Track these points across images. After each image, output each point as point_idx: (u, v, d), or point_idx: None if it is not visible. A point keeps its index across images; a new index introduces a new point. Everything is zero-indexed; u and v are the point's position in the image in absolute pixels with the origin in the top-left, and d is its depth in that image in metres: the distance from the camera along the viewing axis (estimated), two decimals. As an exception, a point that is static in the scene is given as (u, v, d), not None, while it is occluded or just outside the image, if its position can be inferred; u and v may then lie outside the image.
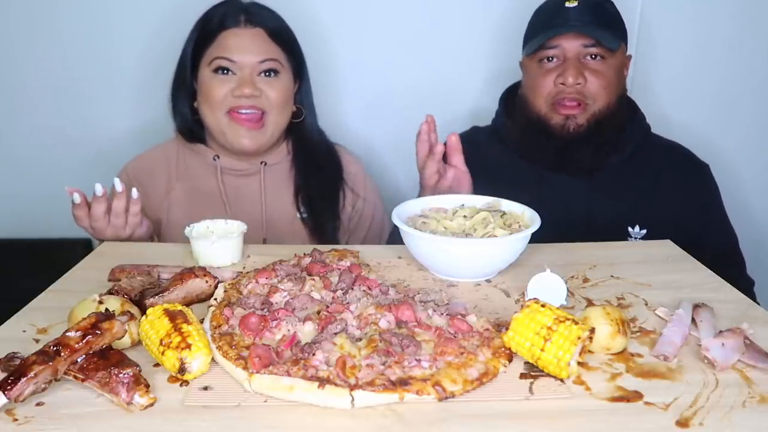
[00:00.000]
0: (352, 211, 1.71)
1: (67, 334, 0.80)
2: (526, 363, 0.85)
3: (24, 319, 0.98)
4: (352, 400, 0.75)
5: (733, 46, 1.97)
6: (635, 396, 0.79)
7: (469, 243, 1.11)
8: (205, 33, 1.57)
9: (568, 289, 1.05)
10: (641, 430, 0.73)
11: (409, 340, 0.84)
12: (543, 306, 0.85)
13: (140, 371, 0.79)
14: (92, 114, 2.00)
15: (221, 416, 0.75)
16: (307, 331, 0.88)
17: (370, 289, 1.00)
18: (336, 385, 0.76)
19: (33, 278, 1.10)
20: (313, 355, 0.81)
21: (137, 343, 0.89)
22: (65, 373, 0.79)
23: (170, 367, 0.81)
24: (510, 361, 0.85)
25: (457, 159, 1.42)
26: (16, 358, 0.81)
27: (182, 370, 0.80)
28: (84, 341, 0.79)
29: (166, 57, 1.65)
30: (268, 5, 1.61)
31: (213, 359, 0.84)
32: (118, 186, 1.32)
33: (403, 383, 0.77)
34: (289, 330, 0.88)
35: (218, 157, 1.63)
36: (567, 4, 1.51)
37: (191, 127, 1.65)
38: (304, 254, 1.17)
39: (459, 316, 0.92)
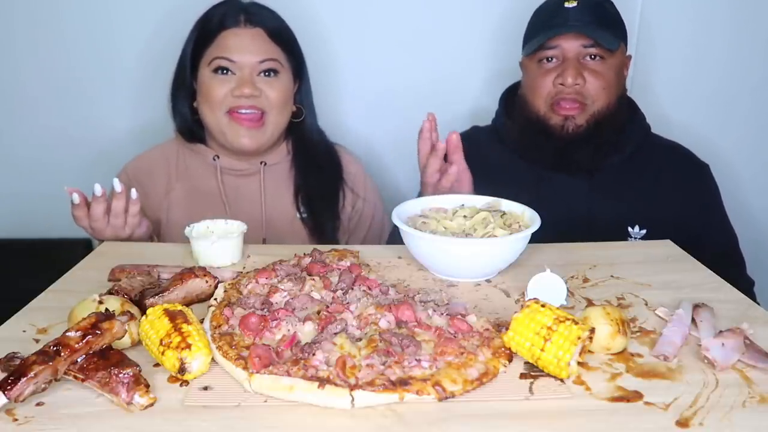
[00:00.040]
0: (352, 211, 1.71)
1: (67, 334, 0.80)
2: (526, 363, 0.85)
3: (24, 319, 0.98)
4: (352, 400, 0.75)
5: (732, 46, 1.97)
6: (635, 396, 0.79)
7: (469, 243, 1.11)
8: (204, 33, 1.57)
9: (568, 289, 1.05)
10: (641, 430, 0.73)
11: (409, 340, 0.84)
12: (543, 306, 0.85)
13: (140, 371, 0.79)
14: (93, 114, 2.00)
15: (221, 416, 0.75)
16: (307, 331, 0.88)
17: (370, 289, 1.00)
18: (336, 385, 0.76)
19: (33, 278, 1.10)
20: (313, 355, 0.81)
21: (137, 343, 0.89)
22: (65, 373, 0.79)
23: (170, 367, 0.81)
24: (510, 361, 0.85)
25: (458, 157, 1.42)
26: (16, 358, 0.81)
27: (182, 370, 0.80)
28: (84, 341, 0.79)
29: (166, 57, 1.65)
30: (268, 5, 1.61)
31: (213, 359, 0.84)
32: (117, 186, 1.32)
33: (403, 383, 0.77)
34: (289, 330, 0.88)
35: (218, 157, 1.63)
36: (566, 5, 1.51)
37: (191, 127, 1.65)
38: (304, 254, 1.17)
39: (459, 316, 0.92)
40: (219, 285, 1.04)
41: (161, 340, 0.83)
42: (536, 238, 1.13)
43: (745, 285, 1.53)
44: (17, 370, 0.75)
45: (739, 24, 1.95)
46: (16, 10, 1.91)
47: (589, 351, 0.86)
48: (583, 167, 1.57)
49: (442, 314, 0.93)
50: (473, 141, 1.55)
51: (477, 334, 0.89)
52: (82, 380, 0.79)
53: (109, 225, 1.33)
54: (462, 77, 2.01)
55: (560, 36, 1.50)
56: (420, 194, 1.49)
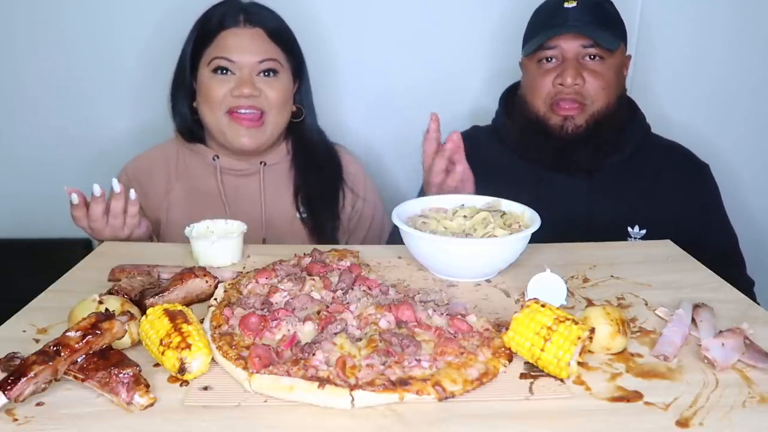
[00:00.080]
0: (352, 211, 1.71)
1: (67, 334, 0.80)
2: (526, 363, 0.85)
3: (24, 319, 0.98)
4: (352, 400, 0.75)
5: (732, 46, 1.97)
6: (635, 396, 0.79)
7: (469, 243, 1.11)
8: (204, 33, 1.57)
9: (568, 289, 1.05)
10: (641, 430, 0.73)
11: (409, 340, 0.84)
12: (543, 306, 0.85)
13: (140, 371, 0.79)
14: (93, 114, 2.00)
15: (221, 416, 0.75)
16: (307, 331, 0.88)
17: (370, 289, 1.00)
18: (336, 385, 0.76)
19: (33, 278, 1.10)
20: (313, 355, 0.81)
21: (137, 343, 0.89)
22: (65, 373, 0.79)
23: (170, 367, 0.81)
24: (510, 361, 0.85)
25: (460, 156, 1.41)
26: (16, 358, 0.81)
27: (182, 370, 0.80)
28: (84, 341, 0.79)
29: (166, 57, 1.65)
30: (267, 5, 1.61)
31: (213, 359, 0.84)
32: (116, 187, 1.32)
33: (403, 383, 0.77)
34: (289, 330, 0.88)
35: (218, 157, 1.63)
36: (566, 5, 1.51)
37: (191, 127, 1.65)
38: (304, 254, 1.17)
39: (459, 316, 0.92)
40: (219, 285, 1.04)
41: (161, 340, 0.83)
42: (536, 238, 1.13)
43: (745, 285, 1.53)
44: (17, 370, 0.75)
45: (739, 24, 1.95)
46: (17, 10, 1.91)
47: (589, 351, 0.86)
48: (583, 167, 1.57)
49: (442, 314, 0.93)
50: (473, 141, 1.54)
51: (477, 334, 0.89)
52: (82, 380, 0.79)
53: (108, 225, 1.33)
54: (462, 77, 2.01)
55: (560, 36, 1.50)
56: (422, 194, 1.49)
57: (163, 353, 0.82)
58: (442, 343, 0.84)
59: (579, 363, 0.84)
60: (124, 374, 0.77)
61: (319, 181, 1.67)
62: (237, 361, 0.81)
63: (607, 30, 1.51)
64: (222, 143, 1.60)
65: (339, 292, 0.99)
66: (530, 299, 0.88)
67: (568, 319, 0.83)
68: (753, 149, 2.04)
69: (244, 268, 1.18)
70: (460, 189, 1.40)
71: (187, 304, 0.98)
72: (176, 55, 1.62)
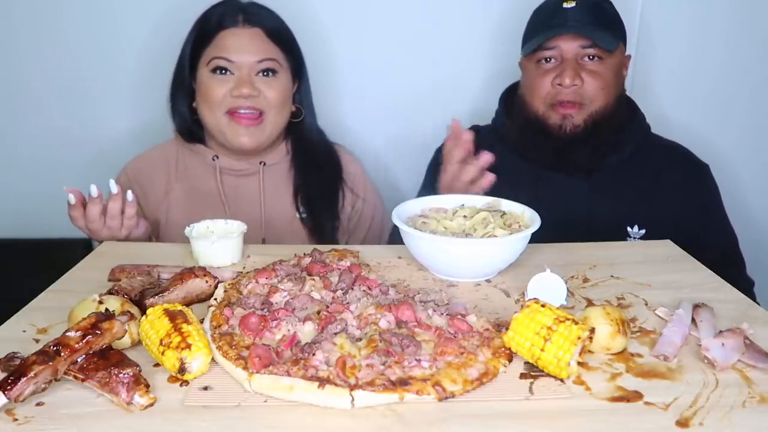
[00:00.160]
0: (352, 211, 1.71)
1: (67, 334, 0.80)
2: (526, 363, 0.85)
3: (24, 319, 0.98)
4: (352, 400, 0.75)
5: (730, 46, 1.97)
6: (635, 396, 0.79)
7: (469, 243, 1.11)
8: (203, 33, 1.57)
9: (568, 289, 1.05)
10: (641, 430, 0.73)
11: (409, 340, 0.84)
12: (543, 306, 0.85)
13: (140, 371, 0.79)
14: (93, 114, 2.00)
15: (221, 416, 0.75)
16: (307, 331, 0.88)
17: (370, 289, 1.00)
18: (336, 385, 0.76)
19: (33, 278, 1.10)
20: (313, 355, 0.81)
21: (137, 343, 0.89)
22: (65, 373, 0.79)
23: (170, 367, 0.81)
24: (510, 361, 0.85)
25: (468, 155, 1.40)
26: (16, 358, 0.81)
27: (182, 370, 0.80)
28: (84, 341, 0.79)
29: (166, 57, 1.65)
30: (266, 5, 1.61)
31: (213, 359, 0.84)
32: (113, 188, 1.32)
33: (403, 383, 0.77)
34: (289, 330, 0.88)
35: (217, 157, 1.63)
36: (565, 5, 1.51)
37: (190, 127, 1.65)
38: (304, 254, 1.17)
39: (459, 316, 0.92)
40: (219, 285, 1.04)
41: (161, 340, 0.83)
42: (536, 238, 1.13)
43: (745, 285, 1.53)
44: (17, 370, 0.75)
45: (737, 24, 1.95)
46: (19, 10, 1.91)
47: (589, 351, 0.86)
48: (582, 167, 1.57)
49: (442, 314, 0.93)
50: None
51: (477, 334, 0.89)
52: (82, 380, 0.79)
53: (105, 226, 1.33)
54: (462, 77, 2.01)
55: (559, 36, 1.50)
56: (422, 194, 1.48)
57: (163, 353, 0.82)
58: (442, 343, 0.84)
59: (579, 363, 0.84)
60: (124, 374, 0.77)
61: (318, 181, 1.67)
62: (237, 361, 0.81)
63: (606, 30, 1.51)
64: (221, 143, 1.60)
65: (339, 292, 0.99)
66: (530, 299, 0.88)
67: (568, 319, 0.83)
68: (752, 149, 2.04)
69: (244, 268, 1.18)
70: (473, 186, 1.38)
71: (187, 304, 0.98)
72: (176, 55, 1.62)
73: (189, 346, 0.81)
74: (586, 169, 1.57)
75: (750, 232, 1.80)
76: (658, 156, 1.62)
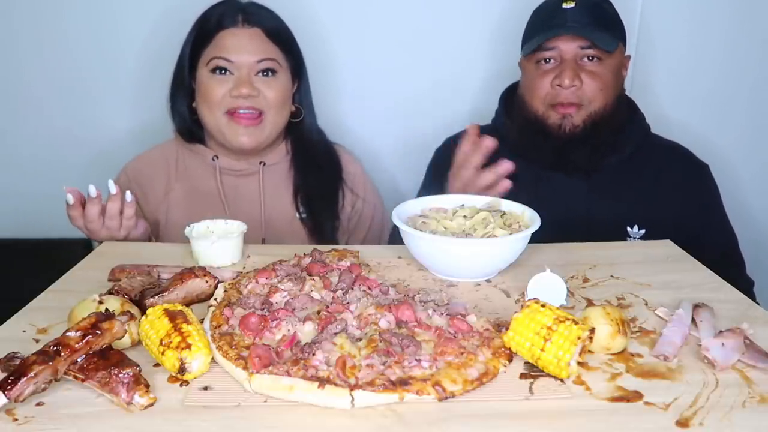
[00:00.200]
0: (352, 211, 1.71)
1: (67, 334, 0.80)
2: (526, 363, 0.85)
3: (24, 319, 0.98)
4: (352, 400, 0.75)
5: (729, 46, 1.97)
6: (635, 396, 0.79)
7: (469, 243, 1.11)
8: (203, 33, 1.57)
9: (568, 289, 1.05)
10: (641, 430, 0.73)
11: (409, 340, 0.84)
12: (543, 306, 0.85)
13: (140, 371, 0.79)
14: (94, 114, 2.00)
15: (221, 416, 0.75)
16: (307, 331, 0.88)
17: (370, 289, 1.00)
18: (336, 385, 0.76)
19: (33, 278, 1.10)
20: (313, 355, 0.81)
21: (137, 343, 0.89)
22: (65, 373, 0.79)
23: (170, 367, 0.81)
24: (510, 361, 0.85)
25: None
26: (16, 358, 0.81)
27: (182, 370, 0.80)
28: (84, 341, 0.79)
29: (166, 57, 1.65)
30: (266, 5, 1.61)
31: (213, 359, 0.84)
32: (112, 188, 1.32)
33: (403, 383, 0.77)
34: (289, 330, 0.88)
35: (217, 157, 1.63)
36: (564, 5, 1.50)
37: (190, 127, 1.65)
38: (304, 254, 1.17)
39: (459, 316, 0.92)
40: (219, 285, 1.04)
41: (161, 340, 0.83)
42: (535, 238, 1.13)
43: (744, 285, 1.53)
44: (17, 370, 0.75)
45: (736, 25, 1.95)
46: (19, 10, 1.91)
47: (589, 351, 0.86)
48: (581, 167, 1.57)
49: (442, 314, 0.93)
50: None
51: (477, 334, 0.89)
52: (82, 380, 0.78)
53: (104, 226, 1.33)
54: (462, 77, 2.01)
55: (558, 37, 1.50)
56: (422, 194, 1.48)
57: (163, 353, 0.82)
58: (442, 343, 0.84)
59: (579, 363, 0.84)
60: (124, 374, 0.77)
61: (318, 180, 1.67)
62: (237, 361, 0.81)
63: (605, 31, 1.51)
64: (221, 143, 1.60)
65: (339, 292, 0.99)
66: (530, 299, 0.88)
67: (568, 319, 0.83)
68: (752, 149, 2.04)
69: (244, 268, 1.18)
70: (487, 193, 1.37)
71: (187, 304, 0.98)
72: (175, 55, 1.62)
73: (189, 346, 0.81)
74: (586, 169, 1.57)
75: (750, 232, 1.80)
76: (657, 156, 1.62)
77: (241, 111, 1.54)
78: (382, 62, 1.99)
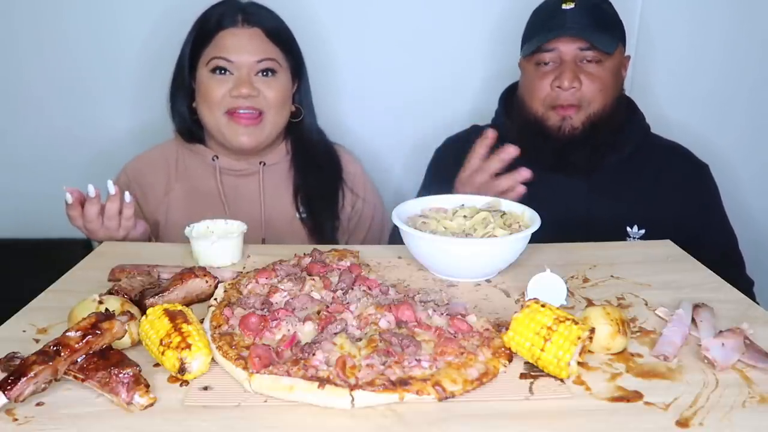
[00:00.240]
0: (352, 211, 1.71)
1: (67, 334, 0.80)
2: (526, 363, 0.85)
3: (24, 319, 0.98)
4: (352, 400, 0.75)
5: (729, 47, 1.97)
6: (635, 396, 0.79)
7: (469, 243, 1.11)
8: (202, 33, 1.57)
9: (568, 289, 1.05)
10: (641, 430, 0.73)
11: (409, 340, 0.84)
12: (543, 306, 0.85)
13: (140, 371, 0.79)
14: (94, 114, 2.00)
15: (221, 416, 0.75)
16: (307, 331, 0.88)
17: (370, 289, 1.00)
18: (336, 385, 0.76)
19: (33, 278, 1.10)
20: (313, 355, 0.81)
21: (137, 343, 0.89)
22: (65, 373, 0.79)
23: (170, 367, 0.81)
24: (510, 361, 0.85)
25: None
26: (16, 358, 0.81)
27: (182, 370, 0.80)
28: (84, 341, 0.79)
29: (166, 57, 1.65)
30: (266, 5, 1.60)
31: (213, 359, 0.84)
32: (111, 188, 1.32)
33: (403, 383, 0.77)
34: (289, 330, 0.88)
35: (217, 157, 1.63)
36: (564, 6, 1.50)
37: (190, 127, 1.65)
38: (304, 254, 1.17)
39: (459, 316, 0.92)
40: (219, 285, 1.04)
41: (161, 340, 0.83)
42: (535, 238, 1.13)
43: (744, 285, 1.53)
44: (17, 370, 0.75)
45: (736, 25, 1.95)
46: (19, 10, 1.91)
47: (589, 351, 0.86)
48: (581, 168, 1.57)
49: (442, 314, 0.93)
50: (473, 140, 1.54)
51: (477, 334, 0.89)
52: (82, 380, 0.78)
53: (103, 226, 1.33)
54: (461, 77, 2.01)
55: (557, 39, 1.50)
56: (422, 193, 1.48)
57: (163, 353, 0.82)
58: (442, 343, 0.84)
59: (579, 363, 0.84)
60: (124, 374, 0.77)
61: (318, 180, 1.67)
62: (237, 361, 0.81)
63: (605, 32, 1.50)
64: (221, 143, 1.60)
65: (339, 292, 0.99)
66: (530, 299, 0.88)
67: (568, 319, 0.83)
68: (752, 149, 2.04)
69: (244, 268, 1.18)
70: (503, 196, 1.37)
71: (187, 304, 0.98)
72: (175, 55, 1.62)
73: (189, 346, 0.81)
74: (585, 169, 1.57)
75: (750, 232, 1.80)
76: (657, 156, 1.62)
77: (241, 111, 1.55)
78: (382, 62, 1.99)
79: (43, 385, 0.76)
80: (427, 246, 1.13)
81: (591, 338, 0.83)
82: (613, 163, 1.58)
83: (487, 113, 1.75)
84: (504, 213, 1.22)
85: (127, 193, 1.33)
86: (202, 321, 0.92)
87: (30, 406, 0.76)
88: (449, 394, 0.77)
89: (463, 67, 2.00)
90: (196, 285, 1.03)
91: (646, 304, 1.05)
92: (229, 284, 1.04)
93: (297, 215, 1.65)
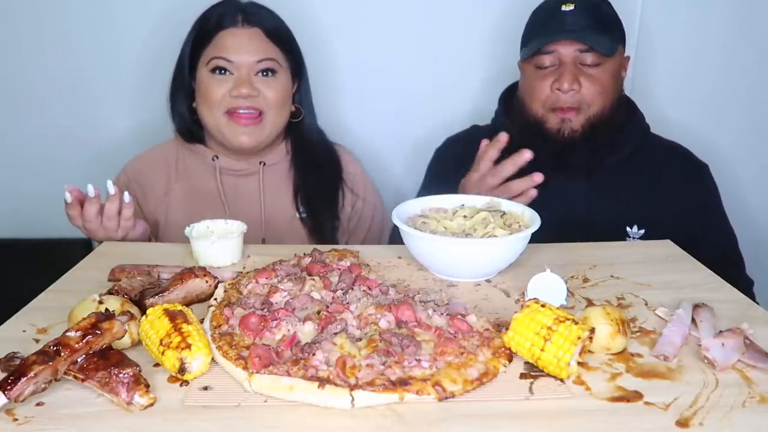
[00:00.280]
0: (352, 211, 1.71)
1: (67, 334, 0.80)
2: (526, 363, 0.85)
3: (24, 319, 0.98)
4: (352, 400, 0.75)
5: (728, 48, 1.97)
6: (635, 396, 0.79)
7: (469, 243, 1.11)
8: (202, 33, 1.57)
9: (568, 289, 1.05)
10: (641, 430, 0.73)
11: (409, 340, 0.84)
12: (543, 306, 0.85)
13: (140, 371, 0.79)
14: (95, 114, 2.00)
15: (221, 416, 0.75)
16: (307, 331, 0.88)
17: (370, 289, 1.00)
18: (336, 385, 0.76)
19: (33, 278, 1.10)
20: (313, 355, 0.81)
21: (137, 343, 0.89)
22: (65, 373, 0.79)
23: (170, 367, 0.81)
24: (510, 361, 0.85)
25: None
26: (16, 358, 0.81)
27: (182, 370, 0.80)
28: (84, 341, 0.79)
29: (166, 57, 1.65)
30: (266, 5, 1.60)
31: (213, 359, 0.84)
32: (111, 188, 1.32)
33: (403, 383, 0.77)
34: (289, 330, 0.88)
35: (217, 157, 1.63)
36: (563, 8, 1.50)
37: (190, 127, 1.65)
38: (304, 254, 1.17)
39: (459, 316, 0.92)
40: (219, 285, 1.04)
41: (161, 340, 0.83)
42: (534, 238, 1.13)
43: (744, 285, 1.53)
44: (17, 370, 0.75)
45: (735, 27, 1.95)
46: (21, 10, 1.91)
47: (589, 351, 0.86)
48: (580, 170, 1.57)
49: (442, 314, 0.93)
50: (473, 140, 1.54)
51: (477, 334, 0.89)
52: (82, 380, 0.78)
53: (102, 226, 1.33)
54: (461, 77, 2.01)
55: (557, 41, 1.49)
56: (422, 193, 1.48)
57: (163, 353, 0.82)
58: (442, 343, 0.84)
59: (579, 363, 0.84)
60: (124, 374, 0.77)
61: (318, 180, 1.67)
62: (237, 361, 0.81)
63: (604, 34, 1.50)
64: (221, 143, 1.60)
65: (339, 292, 0.99)
66: (530, 299, 0.88)
67: (568, 319, 0.83)
68: (751, 150, 2.04)
69: (244, 268, 1.18)
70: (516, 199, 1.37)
71: (187, 304, 0.98)
72: (175, 55, 1.62)
73: (189, 346, 0.81)
74: (585, 171, 1.57)
75: (749, 232, 1.80)
76: (657, 156, 1.62)
77: (241, 111, 1.55)
78: (383, 62, 1.99)
79: (43, 385, 0.76)
80: (427, 246, 1.13)
81: (591, 338, 0.83)
82: (612, 163, 1.58)
83: (487, 113, 1.74)
84: (504, 213, 1.22)
85: (126, 194, 1.33)
86: (202, 321, 0.92)
87: (30, 406, 0.76)
88: (449, 394, 0.77)
89: (463, 67, 2.00)
90: (196, 285, 1.03)
91: (646, 304, 1.05)
92: (229, 284, 1.04)
93: (297, 215, 1.65)
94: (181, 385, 0.81)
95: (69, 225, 1.36)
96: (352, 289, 0.99)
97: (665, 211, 1.55)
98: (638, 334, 0.94)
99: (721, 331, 0.89)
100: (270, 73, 1.57)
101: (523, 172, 1.56)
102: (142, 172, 1.65)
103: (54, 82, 1.97)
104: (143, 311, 0.91)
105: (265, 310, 0.93)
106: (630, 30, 1.74)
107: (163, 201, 1.63)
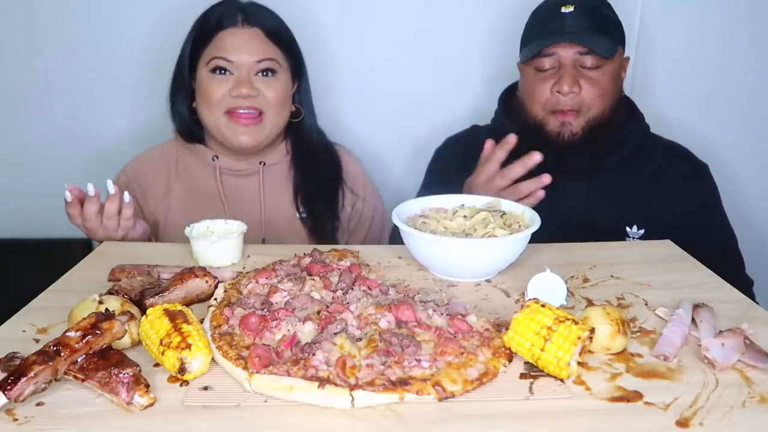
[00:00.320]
0: (352, 211, 1.71)
1: (67, 334, 0.80)
2: (526, 363, 0.85)
3: (24, 319, 0.98)
4: (352, 400, 0.75)
5: (728, 48, 1.97)
6: (635, 396, 0.79)
7: (469, 243, 1.11)
8: (202, 33, 1.57)
9: (568, 289, 1.05)
10: (641, 430, 0.73)
11: (409, 340, 0.84)
12: (543, 306, 0.85)
13: (140, 371, 0.79)
14: (95, 114, 2.00)
15: (221, 416, 0.75)
16: (307, 331, 0.88)
17: (370, 289, 1.00)
18: (336, 385, 0.76)
19: (33, 278, 1.10)
20: (313, 355, 0.81)
21: (137, 343, 0.89)
22: (65, 373, 0.79)
23: (170, 367, 0.81)
24: (510, 361, 0.85)
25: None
26: (16, 358, 0.81)
27: (182, 370, 0.80)
28: (84, 341, 0.79)
29: (166, 57, 1.65)
30: (266, 5, 1.61)
31: (213, 359, 0.84)
32: (111, 188, 1.32)
33: (403, 383, 0.77)
34: (289, 330, 0.88)
35: (217, 157, 1.63)
36: (563, 10, 1.49)
37: (190, 127, 1.65)
38: (304, 254, 1.17)
39: (459, 316, 0.92)
40: (219, 285, 1.04)
41: (161, 340, 0.83)
42: (534, 238, 1.13)
43: (744, 285, 1.53)
44: (17, 370, 0.75)
45: (735, 27, 1.95)
46: (21, 10, 1.91)
47: (589, 351, 0.86)
48: (580, 172, 1.56)
49: (442, 314, 0.93)
50: (473, 140, 1.54)
51: (477, 334, 0.89)
52: (82, 380, 0.78)
53: (102, 226, 1.33)
54: (461, 77, 2.01)
55: (557, 44, 1.49)
56: (422, 193, 1.48)
57: (163, 353, 0.82)
58: (442, 343, 0.84)
59: (579, 363, 0.84)
60: (124, 374, 0.77)
61: (318, 180, 1.67)
62: (237, 361, 0.81)
63: (604, 36, 1.50)
64: (221, 143, 1.60)
65: (339, 292, 0.99)
66: (530, 299, 0.88)
67: (568, 319, 0.83)
68: (751, 150, 2.04)
69: (244, 268, 1.18)
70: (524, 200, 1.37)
71: (187, 304, 0.98)
72: (175, 55, 1.62)
73: (189, 346, 0.81)
74: (585, 173, 1.57)
75: (749, 232, 1.80)
76: (657, 156, 1.62)
77: (241, 111, 1.55)
78: (383, 62, 1.99)
79: (43, 385, 0.76)
80: (427, 246, 1.13)
81: (591, 338, 0.83)
82: (612, 163, 1.57)
83: (487, 113, 1.75)
84: (504, 213, 1.22)
85: (126, 194, 1.33)
86: (202, 321, 0.92)
87: (30, 406, 0.76)
88: (449, 394, 0.77)
89: (463, 67, 2.00)
90: (196, 285, 1.03)
91: (646, 304, 1.05)
92: (229, 284, 1.04)
93: (297, 215, 1.65)
94: (181, 385, 0.81)
95: (69, 225, 1.36)
96: (352, 289, 0.99)
97: (665, 211, 1.55)
98: (638, 334, 0.95)
99: (721, 331, 0.89)
100: (270, 73, 1.57)
101: (528, 173, 1.57)
102: (142, 172, 1.65)
103: (54, 82, 1.97)
104: (143, 311, 0.91)
105: (265, 310, 0.93)
106: (630, 30, 1.74)
107: (163, 201, 1.63)
